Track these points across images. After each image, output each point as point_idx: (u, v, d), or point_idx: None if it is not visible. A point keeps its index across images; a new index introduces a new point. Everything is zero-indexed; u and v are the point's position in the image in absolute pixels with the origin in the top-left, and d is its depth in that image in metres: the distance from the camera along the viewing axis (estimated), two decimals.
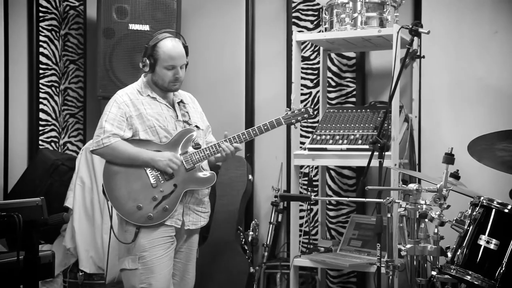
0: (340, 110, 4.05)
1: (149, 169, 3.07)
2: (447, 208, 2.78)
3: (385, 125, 3.58)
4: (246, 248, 4.43)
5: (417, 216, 2.77)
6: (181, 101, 3.25)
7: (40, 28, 4.82)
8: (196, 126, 3.23)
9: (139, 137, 3.09)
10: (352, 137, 3.78)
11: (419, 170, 4.09)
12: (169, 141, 3.12)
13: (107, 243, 4.13)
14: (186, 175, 3.10)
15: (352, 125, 3.88)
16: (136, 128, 3.09)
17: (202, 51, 4.90)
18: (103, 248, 4.30)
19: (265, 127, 3.17)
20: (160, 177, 3.07)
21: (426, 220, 2.77)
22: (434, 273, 2.88)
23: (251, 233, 4.53)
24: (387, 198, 2.82)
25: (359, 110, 4.00)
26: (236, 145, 3.13)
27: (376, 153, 3.27)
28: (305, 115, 3.24)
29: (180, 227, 3.14)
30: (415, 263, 2.81)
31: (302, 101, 4.49)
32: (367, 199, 3.33)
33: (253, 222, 4.59)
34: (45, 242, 4.52)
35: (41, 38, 4.82)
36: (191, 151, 3.13)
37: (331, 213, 4.39)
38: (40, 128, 4.84)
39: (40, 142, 4.85)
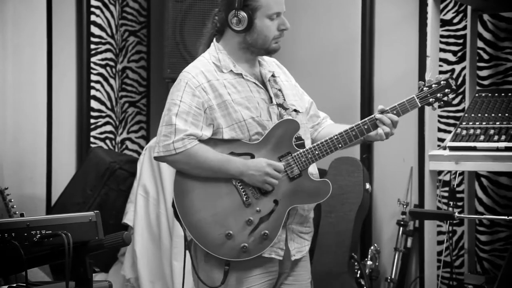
0: (496, 94, 4.02)
1: (238, 180, 2.96)
2: None
3: None
4: (362, 283, 4.41)
5: None
6: (272, 74, 3.11)
7: None
8: (295, 110, 3.08)
9: (223, 136, 2.95)
10: None
11: None
12: (262, 138, 2.97)
13: (178, 271, 4.22)
14: (290, 186, 2.97)
15: None
16: (218, 124, 2.94)
17: (301, 18, 4.89)
18: (173, 279, 4.36)
19: (394, 112, 3.03)
20: (254, 191, 2.95)
21: None
22: None
23: (369, 262, 4.53)
24: None
25: None
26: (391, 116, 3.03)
27: None
28: (446, 90, 3.09)
29: (283, 259, 3.01)
30: None
31: None
32: None
33: (372, 248, 4.59)
34: (100, 270, 4.63)
35: (92, 2, 4.95)
36: (295, 152, 2.99)
37: (483, 238, 4.38)
38: (92, 120, 4.99)
39: (92, 140, 4.99)
